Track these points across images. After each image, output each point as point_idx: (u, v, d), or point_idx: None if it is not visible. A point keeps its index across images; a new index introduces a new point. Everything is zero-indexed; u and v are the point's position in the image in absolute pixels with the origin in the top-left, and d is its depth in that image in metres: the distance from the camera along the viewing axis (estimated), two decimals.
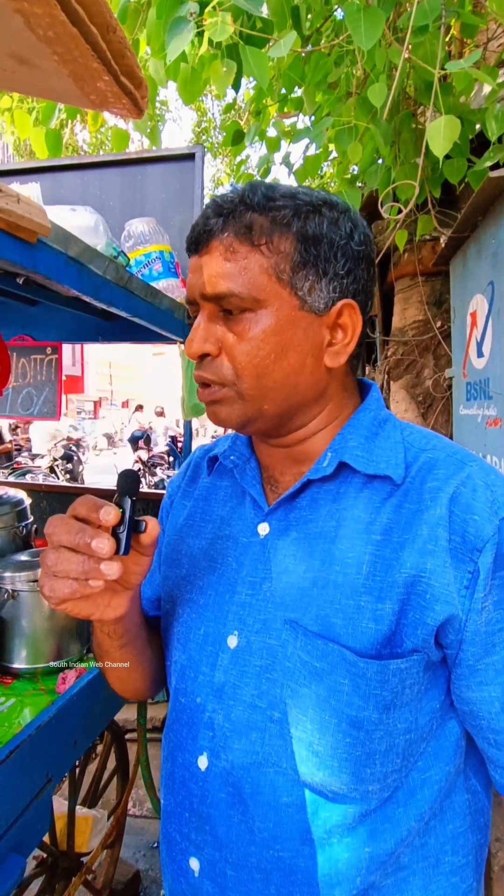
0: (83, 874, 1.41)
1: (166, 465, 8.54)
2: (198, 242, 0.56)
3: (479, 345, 1.77)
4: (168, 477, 7.24)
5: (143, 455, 8.65)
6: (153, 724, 2.65)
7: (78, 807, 1.50)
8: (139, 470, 8.14)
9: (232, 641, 0.57)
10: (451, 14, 1.42)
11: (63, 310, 1.65)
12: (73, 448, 8.02)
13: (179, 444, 9.86)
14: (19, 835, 0.94)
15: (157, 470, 8.11)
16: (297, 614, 0.53)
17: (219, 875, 0.54)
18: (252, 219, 0.53)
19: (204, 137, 8.38)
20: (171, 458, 9.03)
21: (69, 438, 8.26)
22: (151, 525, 0.50)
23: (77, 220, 1.08)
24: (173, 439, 9.83)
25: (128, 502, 0.48)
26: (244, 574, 0.59)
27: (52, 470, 7.18)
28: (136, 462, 8.44)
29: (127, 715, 2.30)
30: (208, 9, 1.28)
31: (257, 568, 0.58)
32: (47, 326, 1.84)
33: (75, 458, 7.85)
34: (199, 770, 0.57)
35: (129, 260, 1.34)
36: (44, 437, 7.83)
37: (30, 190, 0.95)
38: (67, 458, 7.67)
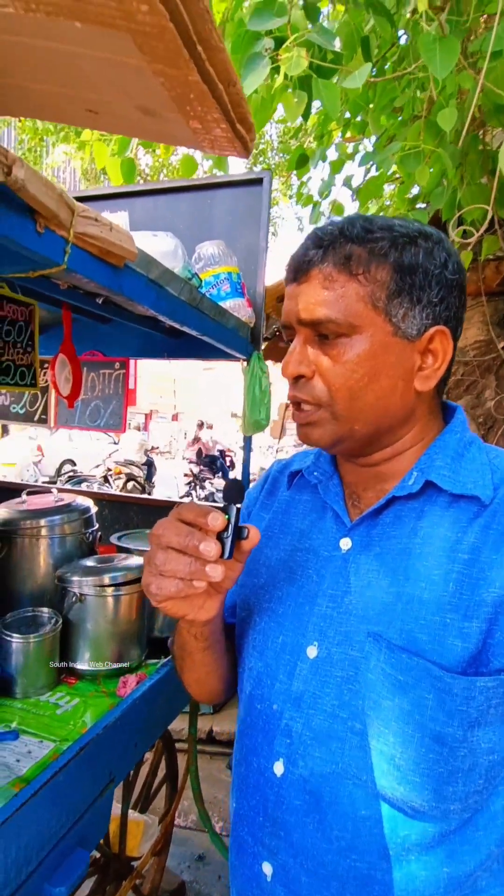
0: (134, 878, 1.44)
1: (212, 478, 8.75)
2: (297, 271, 0.59)
3: None
4: (217, 490, 7.36)
5: (194, 469, 8.91)
6: (199, 735, 2.67)
7: (130, 811, 1.53)
8: (190, 483, 8.38)
9: (311, 652, 0.59)
10: None
11: (133, 327, 1.73)
12: (152, 457, 9.47)
13: (228, 458, 9.99)
14: (84, 830, 0.98)
15: (206, 483, 8.25)
16: (381, 628, 0.55)
17: (293, 881, 0.55)
18: (351, 250, 0.56)
19: (261, 159, 8.59)
20: (219, 472, 9.21)
21: (152, 448, 9.62)
22: (253, 532, 0.53)
23: (158, 245, 1.14)
24: (221, 453, 9.98)
25: (233, 510, 0.51)
26: (325, 587, 0.61)
27: (105, 479, 7.49)
28: (187, 476, 8.70)
29: (174, 725, 2.34)
30: (285, 45, 1.33)
31: (338, 581, 0.60)
32: (117, 343, 1.93)
33: (154, 465, 9.10)
34: (274, 776, 0.58)
35: (201, 281, 1.40)
36: (133, 446, 9.23)
37: (119, 218, 1.02)
38: (149, 464, 9.01)
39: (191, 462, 9.36)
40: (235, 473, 10.42)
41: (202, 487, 8.09)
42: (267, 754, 0.60)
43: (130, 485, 7.93)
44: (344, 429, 0.59)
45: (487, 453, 0.60)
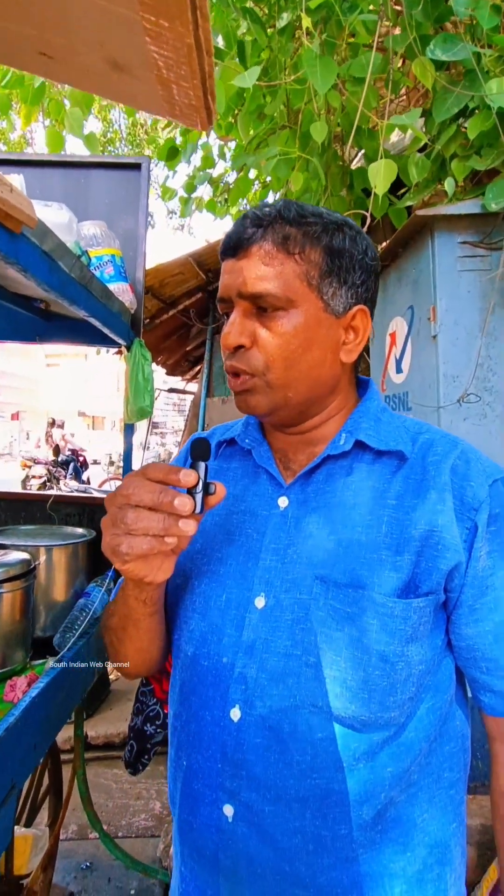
0: None
1: (64, 476, 8.32)
2: (236, 248, 0.63)
3: (399, 362, 1.98)
4: (75, 490, 6.99)
5: (48, 469, 8.38)
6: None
7: (16, 827, 1.42)
8: (46, 482, 7.83)
9: (259, 602, 0.63)
10: (381, 70, 1.62)
11: None
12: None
13: (80, 458, 9.54)
14: None
15: (61, 483, 7.78)
16: (326, 570, 0.61)
17: (256, 814, 0.59)
18: (289, 231, 0.62)
19: (110, 148, 8.31)
20: (72, 471, 8.79)
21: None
22: (220, 488, 0.55)
23: (50, 216, 1.08)
24: (74, 453, 9.50)
25: (202, 466, 0.53)
26: (267, 542, 0.65)
27: None
28: (37, 478, 8.15)
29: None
30: None
31: (280, 536, 0.65)
32: None
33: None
34: (231, 722, 0.61)
35: (89, 259, 1.35)
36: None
37: (14, 181, 0.95)
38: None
39: (38, 462, 8.76)
40: (89, 473, 9.97)
41: (59, 488, 7.61)
42: (221, 705, 0.62)
43: None
44: (279, 396, 0.64)
45: (398, 418, 0.70)
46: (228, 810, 0.60)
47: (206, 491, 0.53)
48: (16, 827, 1.41)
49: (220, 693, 0.63)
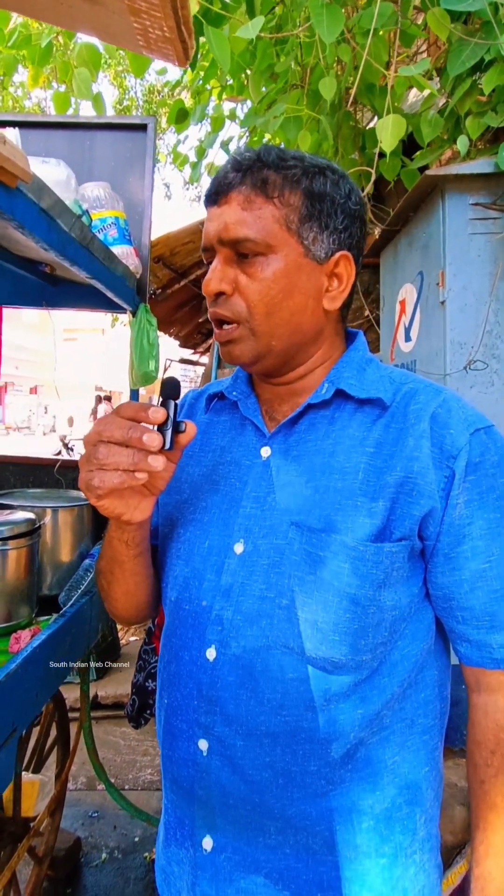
0: (31, 837, 1.41)
1: None
2: (217, 193, 0.63)
3: (408, 330, 1.94)
4: None
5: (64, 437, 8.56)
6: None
7: (24, 772, 1.48)
8: (58, 452, 8.01)
9: (238, 548, 0.64)
10: (391, 23, 1.56)
11: (3, 268, 1.59)
12: None
13: None
14: None
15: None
16: (302, 517, 0.62)
17: (228, 748, 0.61)
18: (267, 175, 0.61)
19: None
20: None
21: None
22: (190, 426, 0.56)
23: (48, 173, 1.07)
24: None
25: (171, 404, 0.54)
26: (248, 490, 0.66)
27: None
28: (60, 450, 8.35)
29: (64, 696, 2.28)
30: None
31: (261, 484, 0.66)
32: None
33: None
34: (207, 661, 0.63)
35: (91, 220, 1.34)
36: None
37: (9, 134, 0.95)
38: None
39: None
40: None
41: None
42: (198, 646, 0.64)
43: None
44: (262, 345, 0.64)
45: (385, 369, 0.70)
46: (203, 744, 0.63)
47: (177, 429, 0.54)
48: (24, 773, 1.47)
49: (198, 634, 0.65)
